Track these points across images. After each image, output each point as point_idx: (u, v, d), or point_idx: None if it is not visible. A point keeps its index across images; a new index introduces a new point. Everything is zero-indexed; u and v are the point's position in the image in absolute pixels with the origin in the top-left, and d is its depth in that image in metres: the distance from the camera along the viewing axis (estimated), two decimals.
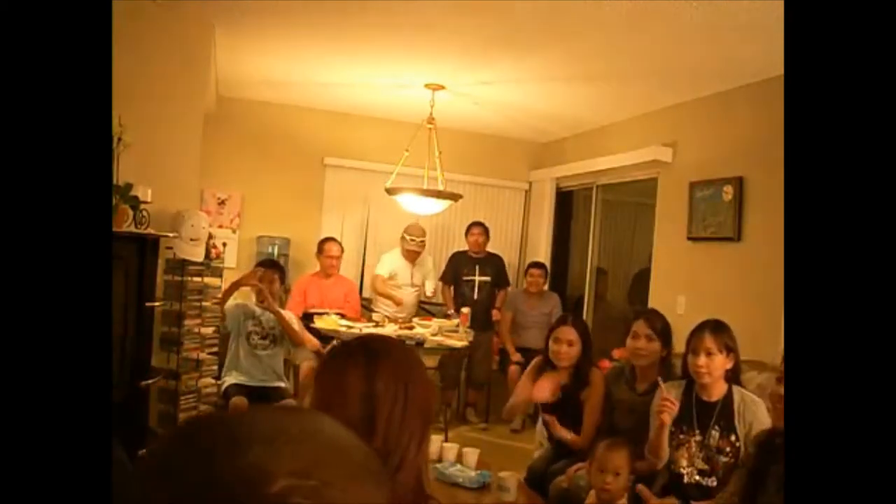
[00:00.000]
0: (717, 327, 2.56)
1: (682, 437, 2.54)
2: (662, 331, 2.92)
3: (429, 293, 5.41)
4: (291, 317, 4.13)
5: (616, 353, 3.15)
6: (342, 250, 5.20)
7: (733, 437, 2.47)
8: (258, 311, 3.92)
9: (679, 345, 2.77)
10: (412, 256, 5.33)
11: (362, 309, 5.54)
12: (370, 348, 1.22)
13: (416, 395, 1.18)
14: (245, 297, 4.77)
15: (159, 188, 3.17)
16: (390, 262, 5.37)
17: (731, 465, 2.44)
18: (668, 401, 2.46)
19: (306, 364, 4.72)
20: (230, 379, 3.81)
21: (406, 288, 5.34)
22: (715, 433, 2.48)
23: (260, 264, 4.24)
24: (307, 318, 4.56)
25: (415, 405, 1.17)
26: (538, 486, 2.96)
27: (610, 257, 5.96)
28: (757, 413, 2.46)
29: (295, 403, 3.82)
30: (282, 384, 3.97)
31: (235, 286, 3.87)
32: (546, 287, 5.48)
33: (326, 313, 4.70)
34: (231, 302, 3.94)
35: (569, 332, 3.10)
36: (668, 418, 2.46)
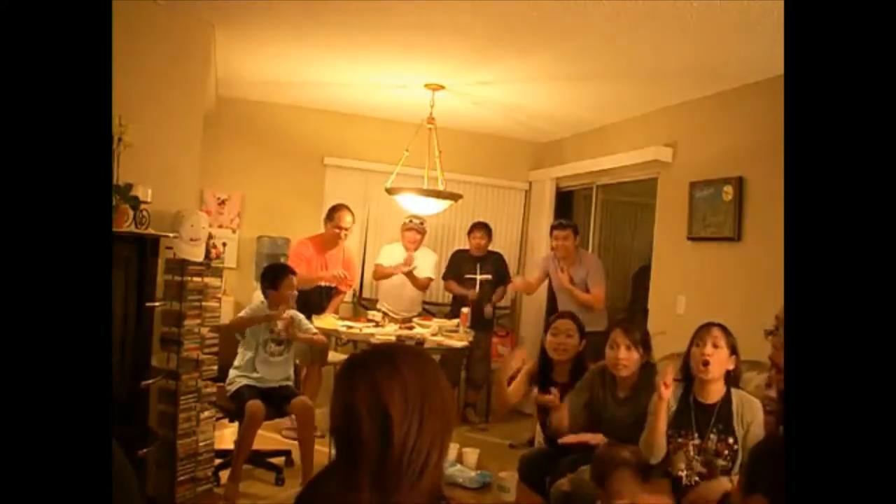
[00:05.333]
0: (724, 328, 2.58)
1: (679, 440, 2.52)
2: (642, 340, 2.94)
3: (420, 276, 5.30)
4: (308, 326, 4.07)
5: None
6: (354, 222, 5.01)
7: (731, 440, 2.46)
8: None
9: (679, 345, 2.77)
10: (411, 242, 5.30)
11: (362, 309, 5.55)
12: (384, 363, 1.20)
13: (433, 407, 1.17)
14: (247, 299, 4.77)
15: (159, 188, 3.17)
16: (389, 253, 5.39)
17: (729, 469, 2.44)
18: (665, 383, 2.47)
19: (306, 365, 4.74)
20: (243, 381, 3.81)
21: (402, 277, 5.31)
22: (713, 436, 2.48)
23: (268, 268, 4.13)
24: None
25: (433, 416, 1.17)
26: (534, 483, 2.95)
27: (610, 257, 5.96)
28: (756, 414, 2.46)
29: (307, 399, 3.83)
30: (290, 383, 3.99)
31: (266, 319, 3.82)
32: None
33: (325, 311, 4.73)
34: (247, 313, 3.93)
35: (567, 324, 3.23)
36: (666, 392, 2.48)
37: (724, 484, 2.40)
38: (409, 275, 5.21)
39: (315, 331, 4.10)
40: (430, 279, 5.41)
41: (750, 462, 1.62)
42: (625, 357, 2.89)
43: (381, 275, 5.37)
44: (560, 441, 2.95)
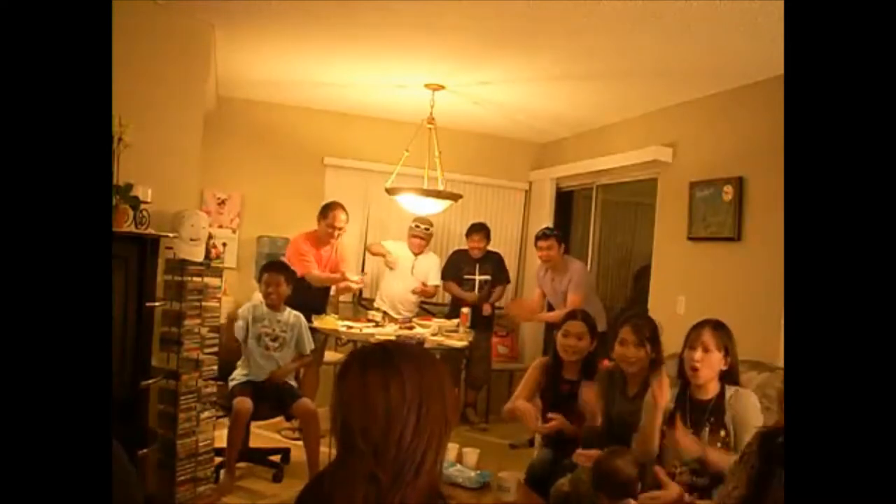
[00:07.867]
0: (717, 325, 2.56)
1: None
2: (651, 336, 2.93)
3: (430, 283, 5.40)
4: (306, 344, 4.10)
5: (606, 363, 3.21)
6: (348, 220, 5.00)
7: (723, 433, 2.46)
8: (266, 311, 3.93)
9: (679, 345, 2.77)
10: (416, 245, 5.34)
11: (362, 309, 5.55)
12: (384, 362, 1.19)
13: (432, 407, 1.17)
14: (247, 299, 4.77)
15: (159, 188, 3.17)
16: (392, 246, 5.47)
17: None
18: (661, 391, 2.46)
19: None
20: (239, 378, 3.85)
21: (406, 278, 5.34)
22: (706, 431, 2.48)
23: (264, 268, 4.12)
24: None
25: (431, 416, 1.16)
26: (538, 486, 2.96)
27: (610, 257, 5.95)
28: (747, 404, 2.45)
29: (311, 402, 3.84)
30: (292, 383, 4.00)
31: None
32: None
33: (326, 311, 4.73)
34: (239, 312, 3.98)
35: (578, 326, 3.21)
36: (662, 401, 2.45)
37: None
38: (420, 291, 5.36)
39: (307, 352, 4.10)
40: (437, 287, 5.48)
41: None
42: (633, 354, 2.89)
43: (371, 249, 5.55)
44: (538, 430, 2.97)
